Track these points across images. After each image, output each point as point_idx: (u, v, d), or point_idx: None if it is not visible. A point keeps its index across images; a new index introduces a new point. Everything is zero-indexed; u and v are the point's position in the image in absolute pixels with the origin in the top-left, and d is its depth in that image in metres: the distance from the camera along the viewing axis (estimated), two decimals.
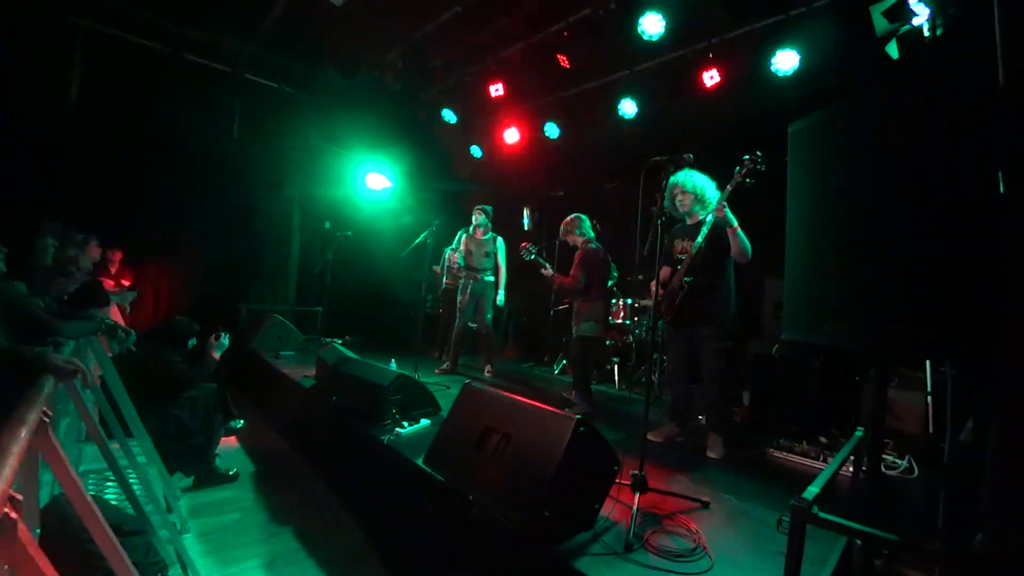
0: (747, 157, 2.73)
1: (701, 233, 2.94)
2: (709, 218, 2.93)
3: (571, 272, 3.84)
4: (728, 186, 2.83)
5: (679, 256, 3.13)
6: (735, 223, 2.84)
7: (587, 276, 3.78)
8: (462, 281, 5.06)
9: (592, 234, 4.03)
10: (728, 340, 3.03)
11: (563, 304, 5.79)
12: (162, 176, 5.96)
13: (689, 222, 3.17)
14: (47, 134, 5.12)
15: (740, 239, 2.85)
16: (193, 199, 6.25)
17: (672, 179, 3.09)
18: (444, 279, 5.99)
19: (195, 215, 6.27)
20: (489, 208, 5.06)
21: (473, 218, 5.00)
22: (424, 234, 4.98)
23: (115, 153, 5.56)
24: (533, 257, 3.88)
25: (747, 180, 2.74)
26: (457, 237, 5.42)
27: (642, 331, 4.98)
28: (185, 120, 5.96)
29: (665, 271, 3.22)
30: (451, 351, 5.13)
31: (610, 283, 4.57)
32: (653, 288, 2.75)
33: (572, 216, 4.04)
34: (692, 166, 2.57)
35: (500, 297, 4.98)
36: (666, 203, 3.20)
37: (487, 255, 4.98)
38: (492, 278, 4.99)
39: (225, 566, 2.36)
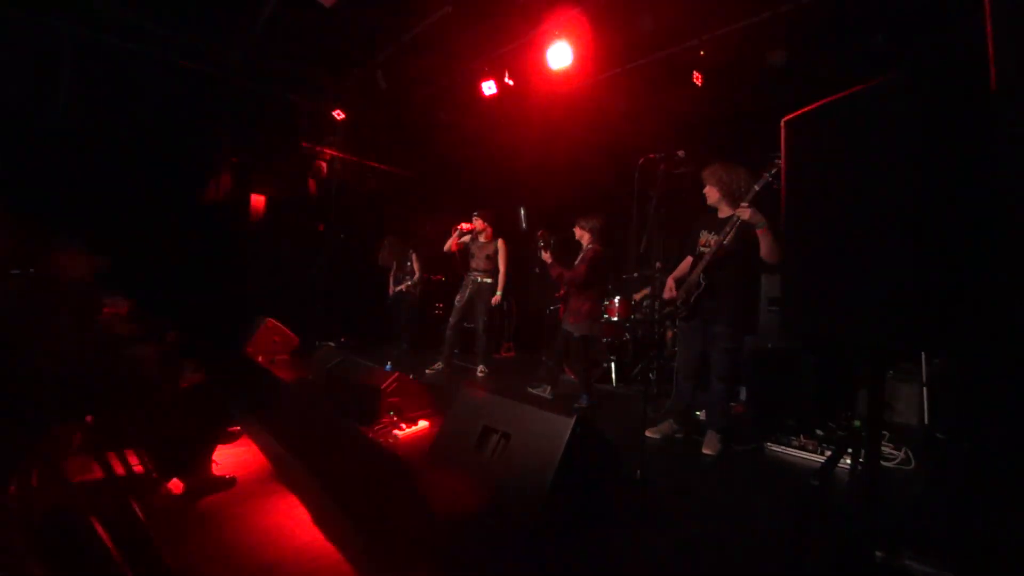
0: (777, 157, 2.51)
1: (726, 230, 2.85)
2: (740, 217, 2.81)
3: (577, 266, 3.93)
4: (755, 186, 2.71)
5: (702, 249, 3.05)
6: (764, 223, 2.68)
7: (595, 275, 3.89)
8: (463, 281, 5.19)
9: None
10: (739, 340, 2.98)
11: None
12: (152, 181, 5.91)
13: (720, 215, 3.06)
14: (35, 141, 5.06)
15: (772, 238, 2.69)
16: (184, 204, 6.20)
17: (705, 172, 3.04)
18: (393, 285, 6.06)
19: (186, 220, 6.21)
20: (488, 211, 5.18)
21: (475, 223, 5.13)
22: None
23: (104, 159, 5.50)
24: (544, 243, 4.01)
25: (776, 183, 2.58)
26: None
27: (649, 323, 4.97)
28: (175, 124, 5.91)
29: (686, 263, 3.18)
30: (444, 350, 5.16)
31: None
32: (669, 282, 2.71)
33: (598, 215, 4.07)
34: (686, 162, 2.57)
35: (499, 297, 5.06)
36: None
37: (487, 258, 5.07)
38: (491, 280, 5.08)
39: (225, 573, 2.34)
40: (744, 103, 4.77)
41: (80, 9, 5.00)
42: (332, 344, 5.72)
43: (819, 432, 3.24)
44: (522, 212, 7.51)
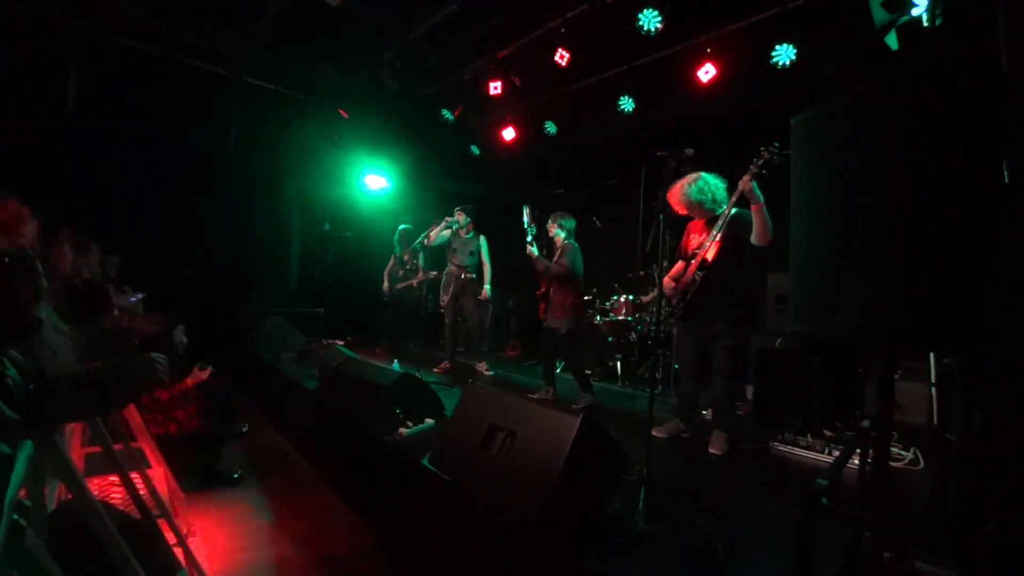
0: (764, 148, 2.66)
1: (716, 227, 2.91)
2: (728, 212, 2.88)
3: (558, 261, 3.97)
4: (744, 176, 2.75)
5: (694, 250, 3.09)
6: (761, 199, 2.73)
7: (576, 268, 3.94)
8: (444, 279, 5.19)
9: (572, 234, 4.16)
10: (739, 337, 3.00)
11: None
12: (160, 180, 5.95)
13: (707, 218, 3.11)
14: (45, 139, 5.11)
15: (764, 216, 2.74)
16: (192, 202, 6.25)
17: (668, 193, 2.97)
18: (386, 285, 5.92)
19: (194, 218, 6.26)
20: (470, 207, 5.13)
21: (456, 218, 5.05)
22: (422, 236, 5.01)
23: (113, 157, 5.55)
24: (532, 237, 4.03)
25: (763, 171, 2.67)
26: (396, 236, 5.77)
27: (645, 328, 4.98)
28: (183, 123, 5.94)
29: (679, 265, 3.20)
30: (447, 348, 5.22)
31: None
32: (665, 282, 2.71)
33: (565, 213, 4.16)
34: (694, 161, 2.54)
35: (487, 291, 5.04)
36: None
37: (471, 253, 5.05)
38: (476, 275, 5.07)
39: (232, 568, 2.36)
40: (751, 100, 4.74)
41: (87, 7, 5.03)
42: (339, 342, 5.74)
43: (827, 432, 3.22)
44: (526, 210, 7.49)
